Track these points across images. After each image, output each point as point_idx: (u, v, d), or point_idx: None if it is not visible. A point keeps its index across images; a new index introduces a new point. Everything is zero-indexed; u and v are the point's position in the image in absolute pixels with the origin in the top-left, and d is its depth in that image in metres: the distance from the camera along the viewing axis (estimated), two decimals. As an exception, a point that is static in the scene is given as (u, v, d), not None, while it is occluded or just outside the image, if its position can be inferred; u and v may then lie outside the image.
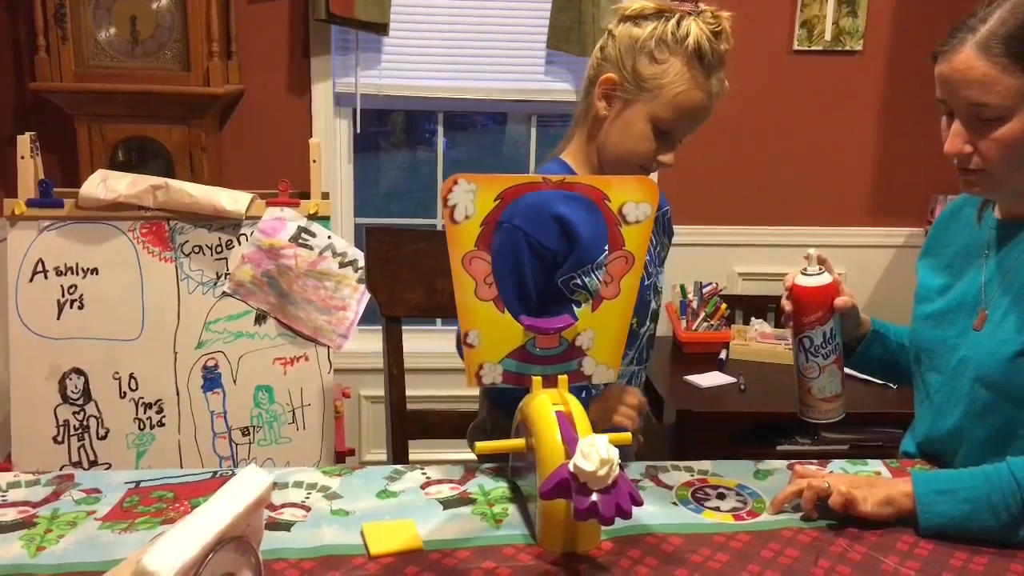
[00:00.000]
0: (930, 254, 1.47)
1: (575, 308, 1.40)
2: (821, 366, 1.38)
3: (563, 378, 1.24)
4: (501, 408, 1.47)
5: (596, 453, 1.03)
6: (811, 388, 1.39)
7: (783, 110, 3.05)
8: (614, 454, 1.04)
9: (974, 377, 1.29)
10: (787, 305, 1.38)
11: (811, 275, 1.38)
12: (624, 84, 1.42)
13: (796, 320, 1.37)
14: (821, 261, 1.39)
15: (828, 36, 2.98)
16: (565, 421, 1.14)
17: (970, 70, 1.18)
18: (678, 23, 1.39)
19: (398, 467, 1.36)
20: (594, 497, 1.03)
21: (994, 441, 1.28)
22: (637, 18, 1.42)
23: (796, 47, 2.99)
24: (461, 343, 1.23)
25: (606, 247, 1.39)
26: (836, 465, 1.39)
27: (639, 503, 1.06)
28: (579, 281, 1.43)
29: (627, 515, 1.04)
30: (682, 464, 1.39)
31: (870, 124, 3.09)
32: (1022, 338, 1.24)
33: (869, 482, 1.23)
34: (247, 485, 0.93)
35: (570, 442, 1.09)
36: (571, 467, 1.04)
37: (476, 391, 1.56)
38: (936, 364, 1.36)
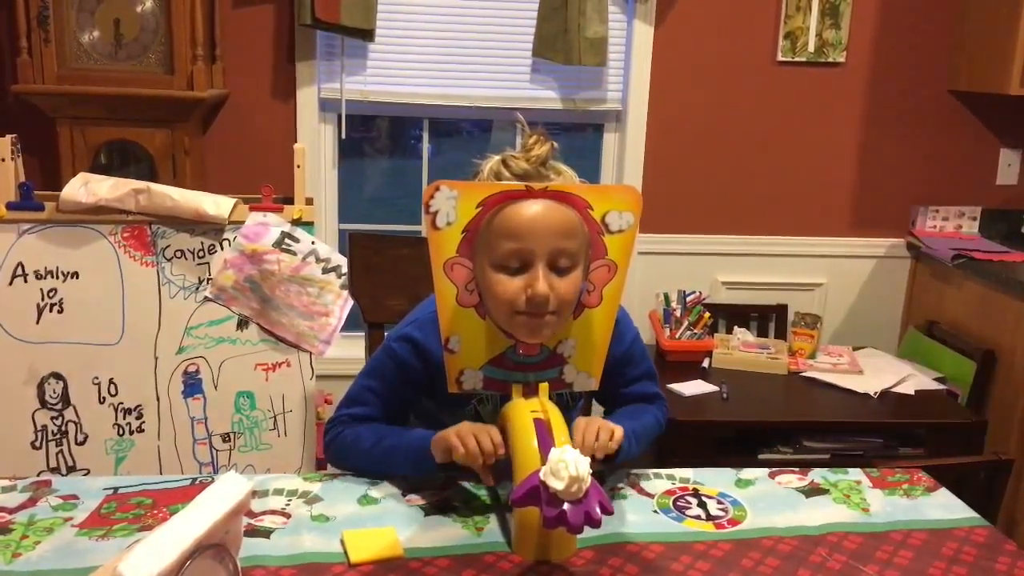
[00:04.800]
0: None
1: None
2: None
3: (544, 385, 1.24)
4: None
5: (565, 470, 1.02)
6: None
7: (767, 120, 3.06)
8: (583, 470, 1.03)
9: None
10: None
11: None
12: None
13: None
14: None
15: (811, 47, 3.00)
16: (543, 429, 1.14)
17: None
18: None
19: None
20: (564, 506, 1.02)
21: None
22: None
23: (780, 58, 3.01)
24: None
25: None
26: (817, 474, 1.40)
27: (609, 512, 1.05)
28: None
29: (596, 524, 1.03)
30: (664, 472, 1.40)
31: (852, 135, 3.11)
32: None
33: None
34: (226, 492, 0.92)
35: (546, 450, 1.08)
36: (541, 476, 1.04)
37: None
38: None
